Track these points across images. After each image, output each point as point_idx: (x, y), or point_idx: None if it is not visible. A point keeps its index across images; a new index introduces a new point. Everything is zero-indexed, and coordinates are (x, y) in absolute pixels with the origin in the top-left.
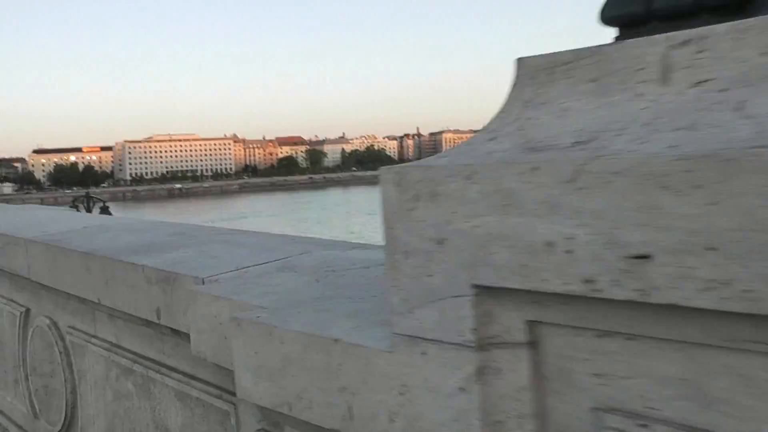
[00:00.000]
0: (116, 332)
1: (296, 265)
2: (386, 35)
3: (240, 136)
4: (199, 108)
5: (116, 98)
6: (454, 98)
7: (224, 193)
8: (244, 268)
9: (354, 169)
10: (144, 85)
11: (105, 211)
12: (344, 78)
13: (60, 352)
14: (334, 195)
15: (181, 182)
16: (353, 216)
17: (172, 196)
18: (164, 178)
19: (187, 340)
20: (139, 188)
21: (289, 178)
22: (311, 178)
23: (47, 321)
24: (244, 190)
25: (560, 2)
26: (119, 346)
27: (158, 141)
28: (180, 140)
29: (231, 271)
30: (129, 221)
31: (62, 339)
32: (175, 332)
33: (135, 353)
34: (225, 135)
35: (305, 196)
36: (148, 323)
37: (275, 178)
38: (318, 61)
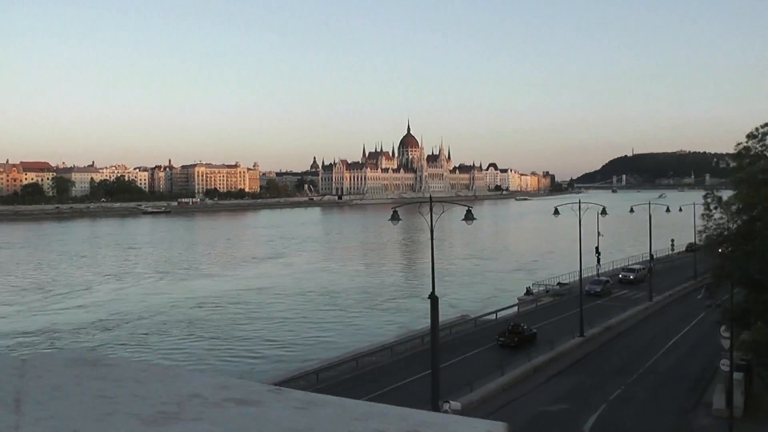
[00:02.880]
0: None
1: None
2: (137, 62)
3: None
4: None
5: None
6: (208, 132)
7: None
8: None
9: (103, 200)
10: None
11: None
12: (94, 103)
13: None
14: (85, 227)
15: None
16: (114, 248)
17: None
18: None
19: None
20: None
21: (34, 207)
22: (58, 207)
23: None
24: None
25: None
26: None
27: None
28: None
29: None
30: None
31: None
32: None
33: None
34: None
35: (54, 227)
36: None
37: (19, 207)
38: (67, 81)
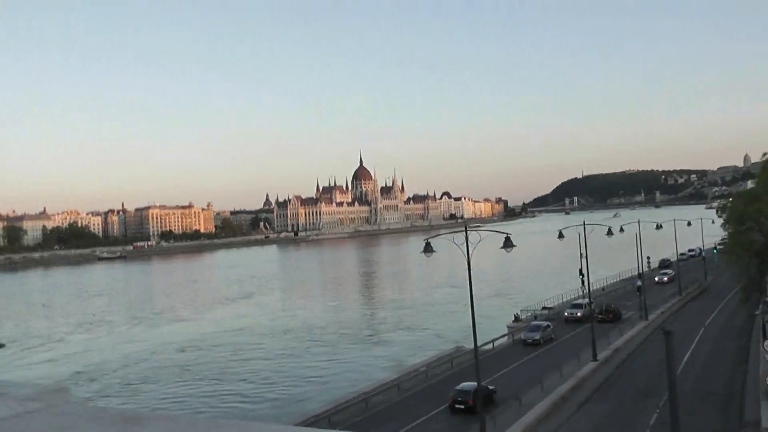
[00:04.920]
0: None
1: None
2: (85, 105)
3: None
4: None
5: None
6: (160, 174)
7: None
8: None
9: (57, 247)
10: None
11: None
12: (43, 146)
13: None
14: (41, 277)
15: None
16: (78, 297)
17: None
18: None
19: None
20: None
21: None
22: (10, 258)
23: None
24: None
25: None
26: None
27: None
28: None
29: None
30: None
31: None
32: None
33: None
34: None
35: (9, 278)
36: None
37: None
38: (15, 126)
